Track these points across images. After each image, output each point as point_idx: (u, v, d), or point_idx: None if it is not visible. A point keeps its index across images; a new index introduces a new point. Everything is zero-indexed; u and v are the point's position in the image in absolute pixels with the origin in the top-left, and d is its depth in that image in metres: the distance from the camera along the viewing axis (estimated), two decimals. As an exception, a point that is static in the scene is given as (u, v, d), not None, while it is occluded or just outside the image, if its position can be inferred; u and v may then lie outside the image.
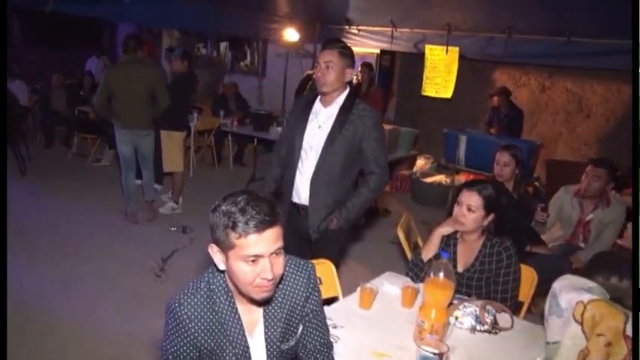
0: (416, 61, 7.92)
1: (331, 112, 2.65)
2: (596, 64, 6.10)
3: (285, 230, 2.87)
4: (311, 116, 2.71)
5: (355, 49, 7.56)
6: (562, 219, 4.01)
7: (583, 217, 3.88)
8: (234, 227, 1.42)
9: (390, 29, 7.22)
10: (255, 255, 1.41)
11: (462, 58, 6.87)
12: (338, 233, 2.78)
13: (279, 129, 6.45)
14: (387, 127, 5.61)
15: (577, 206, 3.89)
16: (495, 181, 3.68)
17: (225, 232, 1.44)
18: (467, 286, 2.48)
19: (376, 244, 5.27)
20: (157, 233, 4.97)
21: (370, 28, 7.49)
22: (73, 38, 11.11)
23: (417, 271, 2.53)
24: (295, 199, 2.78)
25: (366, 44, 7.67)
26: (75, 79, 8.87)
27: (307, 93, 6.73)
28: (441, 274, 1.94)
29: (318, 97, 2.72)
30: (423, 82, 7.12)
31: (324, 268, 2.54)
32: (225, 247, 1.47)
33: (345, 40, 7.73)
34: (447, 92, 7.05)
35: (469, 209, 2.43)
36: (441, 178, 6.84)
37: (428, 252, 2.52)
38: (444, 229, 2.52)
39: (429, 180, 6.83)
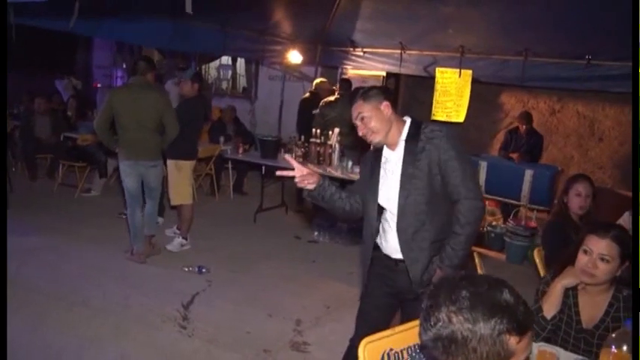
0: (421, 84, 7.70)
1: (400, 152, 2.31)
2: (618, 87, 5.93)
3: (375, 287, 2.51)
4: (382, 167, 2.38)
5: (360, 72, 7.43)
6: None
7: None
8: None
9: (398, 51, 6.99)
10: None
11: (475, 81, 6.65)
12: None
13: (287, 156, 6.03)
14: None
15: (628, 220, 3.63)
16: (566, 215, 3.35)
17: None
18: (597, 346, 2.11)
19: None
20: (169, 275, 4.46)
21: (377, 50, 7.22)
22: (45, 61, 10.46)
23: (538, 329, 2.15)
24: (388, 251, 2.41)
25: (371, 67, 7.42)
26: (57, 103, 8.26)
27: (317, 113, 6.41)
28: (625, 347, 1.56)
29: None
30: (433, 107, 6.88)
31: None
32: None
33: (348, 62, 7.48)
34: (459, 116, 6.81)
35: (602, 259, 2.06)
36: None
37: (550, 308, 2.14)
38: (567, 281, 2.14)
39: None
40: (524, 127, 6.56)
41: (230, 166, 7.28)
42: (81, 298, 3.87)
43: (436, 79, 6.84)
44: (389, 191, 2.33)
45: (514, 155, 6.43)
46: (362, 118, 2.25)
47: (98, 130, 4.47)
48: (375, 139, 2.27)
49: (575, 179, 3.39)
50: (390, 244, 2.37)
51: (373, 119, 2.24)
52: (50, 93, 8.66)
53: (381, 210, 2.39)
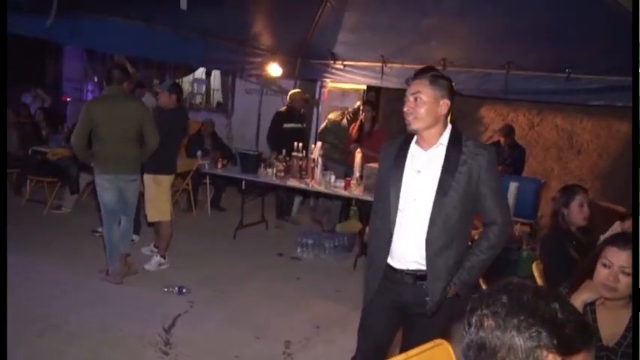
0: (401, 98, 7.61)
1: (433, 156, 2.16)
2: (597, 100, 5.98)
3: (376, 299, 2.35)
4: (407, 161, 2.21)
5: (339, 85, 7.33)
6: None
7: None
8: None
9: (379, 64, 6.90)
10: None
11: (456, 94, 6.59)
12: (449, 303, 2.23)
13: (269, 171, 5.88)
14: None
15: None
16: (565, 228, 3.27)
17: None
18: (622, 365, 1.99)
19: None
20: (148, 296, 4.21)
21: (358, 63, 7.14)
22: (13, 72, 10.05)
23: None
24: (394, 262, 2.23)
25: (351, 80, 7.32)
26: (24, 116, 7.92)
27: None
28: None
29: (414, 139, 2.22)
30: (415, 120, 6.79)
31: (444, 353, 1.97)
32: None
33: (328, 75, 7.38)
34: (442, 130, 6.74)
35: (623, 272, 1.96)
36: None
37: None
38: (587, 296, 2.03)
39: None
40: (506, 140, 6.54)
41: (208, 181, 7.05)
42: (53, 323, 3.59)
43: (418, 93, 6.78)
44: (412, 189, 2.17)
45: (500, 168, 6.39)
46: (416, 98, 2.11)
47: (76, 146, 4.20)
48: (413, 125, 2.13)
49: (574, 191, 3.31)
50: (401, 252, 2.21)
51: (426, 106, 2.10)
52: (17, 105, 8.32)
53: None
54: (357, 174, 5.56)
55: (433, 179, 2.13)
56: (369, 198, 5.17)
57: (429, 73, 2.14)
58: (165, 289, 4.30)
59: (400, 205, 2.18)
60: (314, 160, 5.69)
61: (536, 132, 7.38)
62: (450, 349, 1.99)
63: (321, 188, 5.49)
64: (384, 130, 6.26)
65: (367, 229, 2.56)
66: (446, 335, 2.39)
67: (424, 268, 2.17)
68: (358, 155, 5.64)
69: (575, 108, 6.89)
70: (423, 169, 2.16)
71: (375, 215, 2.35)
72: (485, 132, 7.73)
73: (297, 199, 7.23)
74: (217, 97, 11.80)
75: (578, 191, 3.32)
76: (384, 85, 7.08)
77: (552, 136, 7.27)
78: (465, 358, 1.08)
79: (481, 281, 2.97)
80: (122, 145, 4.21)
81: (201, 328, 3.71)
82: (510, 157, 6.45)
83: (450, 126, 2.19)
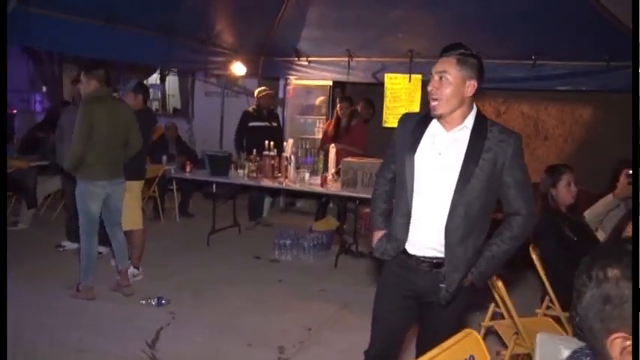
0: (366, 93, 7.57)
1: (457, 138, 2.04)
2: (563, 85, 6.08)
3: (389, 289, 2.23)
4: (426, 139, 2.07)
5: (304, 82, 7.20)
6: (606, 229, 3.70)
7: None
8: None
9: (345, 59, 6.80)
10: None
11: (425, 85, 6.58)
12: (464, 292, 2.12)
13: (240, 172, 5.68)
14: (374, 161, 5.07)
15: (624, 209, 3.60)
16: (555, 208, 3.25)
17: None
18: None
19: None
20: (125, 310, 3.94)
21: (323, 59, 7.02)
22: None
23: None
24: (409, 248, 2.10)
25: (317, 76, 7.20)
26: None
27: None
28: None
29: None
30: (384, 113, 6.73)
31: (474, 342, 1.87)
32: None
33: (293, 72, 7.23)
34: (411, 122, 6.70)
35: None
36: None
37: None
38: None
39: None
40: None
41: (174, 187, 6.78)
42: (26, 347, 3.29)
43: (385, 86, 6.73)
44: (432, 172, 2.04)
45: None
46: (441, 78, 1.99)
47: (78, 154, 3.84)
48: (437, 109, 2.00)
49: (561, 171, 3.30)
50: (417, 238, 2.09)
51: (452, 87, 1.98)
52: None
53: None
54: (332, 170, 5.44)
55: (455, 163, 2.00)
56: (347, 193, 5.08)
57: (457, 50, 2.01)
58: (143, 302, 4.05)
59: (417, 188, 2.05)
60: (287, 157, 5.53)
61: (503, 120, 7.44)
62: (479, 338, 1.90)
63: (296, 186, 5.34)
64: (363, 125, 6.16)
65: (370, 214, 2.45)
66: (462, 325, 2.29)
67: (441, 255, 2.05)
68: (332, 150, 5.52)
69: (539, 95, 7.00)
70: (444, 152, 2.03)
71: (382, 184, 2.29)
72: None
73: (268, 200, 7.06)
74: (174, 102, 11.47)
75: (565, 171, 3.31)
76: (350, 80, 6.98)
77: (519, 123, 7.35)
78: (580, 321, 0.99)
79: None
80: (114, 149, 4.00)
81: (187, 340, 3.49)
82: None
83: (475, 108, 2.07)
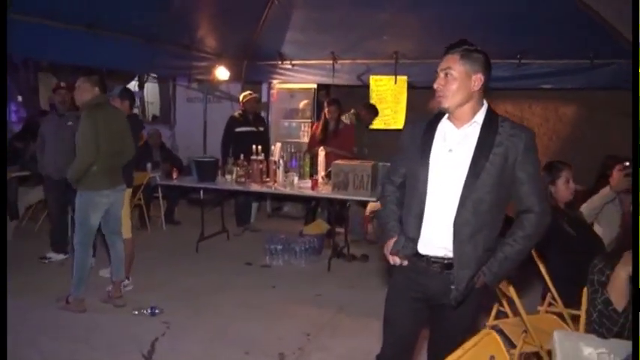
0: (351, 95, 7.56)
1: (467, 134, 2.01)
2: (548, 84, 6.15)
3: (400, 291, 2.17)
4: (437, 138, 2.04)
5: (288, 86, 7.15)
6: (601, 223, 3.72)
7: (627, 210, 3.62)
8: None
9: (329, 62, 6.79)
10: None
11: (410, 87, 6.61)
12: (476, 294, 2.08)
13: (228, 177, 5.59)
14: (365, 163, 5.05)
15: (618, 204, 3.63)
16: (554, 206, 3.25)
17: None
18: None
19: (376, 293, 4.54)
20: (118, 322, 3.82)
21: (307, 62, 6.99)
22: None
23: (609, 325, 1.93)
24: (423, 249, 2.06)
25: (301, 79, 7.17)
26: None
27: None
28: None
29: (446, 116, 2.07)
30: (370, 115, 6.72)
31: (493, 342, 1.83)
32: None
33: (276, 76, 7.19)
34: (397, 123, 6.73)
35: None
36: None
37: (620, 300, 1.94)
38: (631, 268, 1.95)
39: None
40: None
41: (160, 194, 6.66)
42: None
43: (371, 88, 6.72)
44: (442, 169, 2.01)
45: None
46: (446, 74, 1.97)
47: (86, 164, 3.73)
48: (444, 102, 1.98)
49: (559, 168, 3.30)
50: (427, 237, 2.04)
51: (457, 82, 1.95)
52: None
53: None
54: (322, 172, 5.39)
55: (465, 159, 1.97)
56: (338, 196, 5.04)
57: (460, 47, 1.99)
58: (136, 312, 3.94)
59: (430, 187, 2.02)
60: (275, 162, 5.46)
61: (487, 120, 7.51)
62: (498, 338, 1.87)
63: (287, 190, 5.28)
64: (351, 127, 6.12)
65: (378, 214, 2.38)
66: (474, 326, 2.26)
67: (452, 255, 2.02)
68: (322, 153, 5.47)
69: (523, 94, 7.07)
70: (455, 148, 2.00)
71: (391, 189, 2.23)
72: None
73: (254, 206, 6.98)
74: (153, 109, 11.31)
75: (563, 168, 3.31)
76: (335, 82, 6.96)
77: (503, 122, 7.42)
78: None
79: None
80: (116, 156, 3.93)
81: (184, 350, 3.40)
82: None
83: (485, 105, 2.04)
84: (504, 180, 1.96)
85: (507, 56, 5.99)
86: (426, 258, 2.06)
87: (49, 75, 10.97)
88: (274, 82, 7.51)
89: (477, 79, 1.97)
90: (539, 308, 3.21)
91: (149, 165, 6.37)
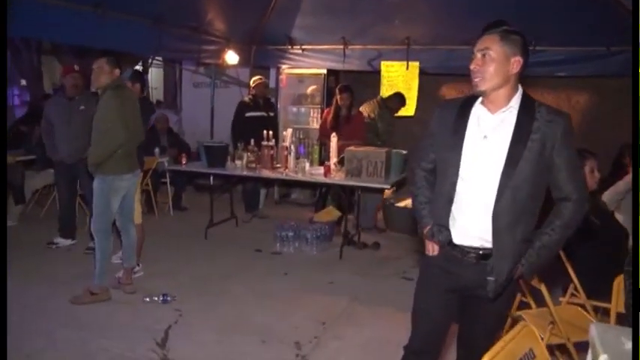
0: (359, 81, 7.45)
1: (503, 120, 1.92)
2: (563, 71, 6.04)
3: (431, 281, 2.07)
4: (471, 123, 1.96)
5: (298, 71, 7.03)
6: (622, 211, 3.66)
7: None
8: None
9: (340, 47, 6.68)
10: None
11: (421, 73, 6.50)
12: (512, 285, 2.01)
13: (238, 163, 5.51)
14: (379, 150, 4.96)
15: None
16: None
17: None
18: None
19: (389, 281, 4.52)
20: (129, 309, 3.76)
21: (317, 47, 6.87)
22: None
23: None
24: (457, 238, 1.99)
25: (311, 64, 7.06)
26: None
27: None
28: None
29: (479, 100, 1.97)
30: (380, 102, 6.62)
31: (530, 335, 1.77)
32: None
33: (285, 61, 7.07)
34: (409, 110, 6.64)
35: None
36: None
37: None
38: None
39: (402, 204, 6.22)
40: None
41: (168, 180, 6.58)
42: (25, 353, 3.10)
43: (382, 74, 6.61)
44: (477, 155, 1.92)
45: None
46: (484, 55, 1.87)
47: (116, 148, 3.65)
48: (480, 85, 1.88)
49: (584, 156, 3.20)
50: (462, 226, 1.97)
51: (495, 64, 1.85)
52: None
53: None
54: (334, 159, 5.30)
55: (501, 146, 1.89)
56: (351, 183, 4.96)
57: (499, 27, 1.89)
58: (147, 299, 3.87)
59: (462, 173, 1.93)
60: (287, 147, 5.37)
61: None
62: (535, 331, 1.81)
63: (298, 176, 5.20)
64: (362, 115, 6.01)
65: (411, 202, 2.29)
66: (505, 320, 2.19)
67: (488, 245, 1.94)
68: (334, 139, 5.38)
69: (535, 82, 6.93)
70: (490, 135, 1.92)
71: (421, 174, 2.15)
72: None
73: (263, 192, 6.91)
74: (156, 95, 11.22)
75: (588, 157, 3.22)
76: (346, 68, 6.85)
77: (514, 111, 7.32)
78: None
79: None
80: (134, 140, 3.83)
81: (198, 339, 3.34)
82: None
83: (520, 89, 1.95)
84: (542, 167, 1.88)
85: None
86: (461, 248, 1.98)
87: (52, 59, 10.86)
88: (283, 67, 7.40)
89: (516, 62, 1.88)
90: (561, 299, 3.14)
91: (157, 150, 6.29)
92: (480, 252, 1.96)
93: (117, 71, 3.72)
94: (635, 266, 1.57)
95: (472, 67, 1.91)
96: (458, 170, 1.94)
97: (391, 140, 6.11)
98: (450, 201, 1.96)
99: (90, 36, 4.72)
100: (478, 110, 1.96)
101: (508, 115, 1.90)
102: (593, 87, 6.79)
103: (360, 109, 6.02)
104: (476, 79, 1.89)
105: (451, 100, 2.11)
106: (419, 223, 2.12)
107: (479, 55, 1.89)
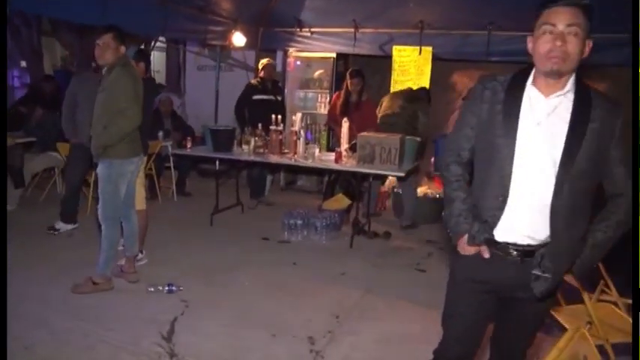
0: (369, 65, 7.23)
1: (557, 105, 1.71)
2: (588, 61, 5.80)
3: (465, 281, 1.81)
4: (523, 106, 1.74)
5: (307, 54, 6.81)
6: None
7: None
8: None
9: (351, 30, 6.47)
10: None
11: (435, 59, 6.28)
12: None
13: (245, 148, 5.32)
14: (392, 136, 4.77)
15: None
16: None
17: None
18: None
19: (403, 272, 4.35)
20: (132, 299, 3.59)
21: (327, 30, 6.65)
22: None
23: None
24: (501, 235, 1.79)
25: (320, 48, 6.84)
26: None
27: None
28: None
29: (530, 80, 1.75)
30: (392, 87, 6.43)
31: (584, 341, 1.60)
32: None
33: (294, 44, 6.87)
34: (421, 96, 6.39)
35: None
36: (424, 189, 6.10)
37: None
38: None
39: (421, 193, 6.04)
40: None
41: (172, 165, 6.39)
42: (24, 344, 2.93)
43: (393, 58, 6.40)
44: (534, 149, 1.70)
45: None
46: (576, 33, 1.61)
47: (133, 128, 3.47)
48: (561, 65, 1.63)
49: None
50: (509, 222, 1.76)
51: (580, 44, 1.63)
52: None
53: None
54: (345, 145, 5.11)
55: (557, 135, 1.68)
56: (364, 170, 4.78)
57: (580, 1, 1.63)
58: (151, 289, 3.70)
59: (516, 164, 1.72)
60: (296, 132, 5.18)
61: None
62: (587, 335, 1.63)
63: (308, 162, 5.01)
64: (372, 102, 5.80)
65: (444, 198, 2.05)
66: (544, 321, 2.02)
67: (534, 242, 1.75)
68: (345, 125, 5.19)
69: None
70: (543, 121, 1.70)
71: (457, 168, 1.90)
72: (458, 99, 7.46)
73: (269, 178, 6.73)
74: (159, 78, 10.97)
75: None
76: (356, 52, 6.63)
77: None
78: None
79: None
80: (145, 121, 3.67)
81: (206, 332, 3.17)
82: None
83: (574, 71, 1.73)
84: (597, 160, 1.69)
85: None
86: (503, 245, 1.78)
87: (53, 40, 10.62)
88: (291, 50, 7.17)
89: (589, 46, 1.68)
90: (590, 296, 2.97)
91: (161, 133, 6.09)
92: (526, 250, 1.77)
93: (122, 48, 3.49)
94: (636, 266, 1.52)
95: (559, 43, 1.62)
96: (512, 160, 1.72)
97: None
98: (503, 196, 1.74)
99: (93, 15, 4.49)
100: (530, 92, 1.74)
101: (562, 101, 1.70)
102: (613, 76, 6.56)
103: (385, 102, 5.56)
104: (555, 59, 1.63)
105: (492, 76, 1.83)
106: (454, 229, 1.88)
107: (565, 30, 1.62)
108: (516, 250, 1.77)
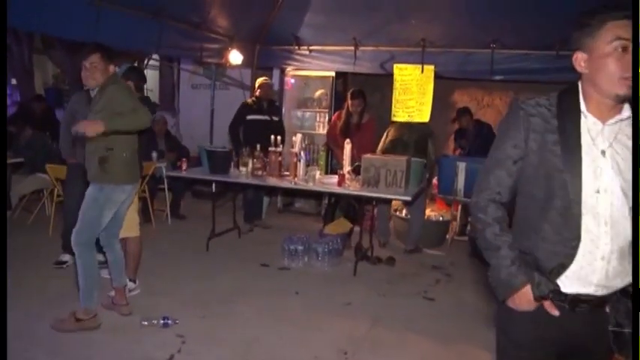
0: (369, 83, 7.11)
1: (616, 132, 1.51)
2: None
3: (522, 345, 1.53)
4: (584, 136, 1.51)
5: (304, 73, 6.66)
6: None
7: None
8: None
9: (350, 48, 6.32)
10: None
11: (437, 77, 6.14)
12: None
13: (243, 170, 5.11)
14: (398, 158, 4.58)
15: None
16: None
17: None
18: None
19: (411, 301, 4.13)
20: (124, 334, 3.33)
21: (325, 48, 6.51)
22: None
23: None
24: (568, 286, 1.54)
25: (318, 66, 6.69)
26: None
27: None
28: None
29: (582, 106, 1.53)
30: (393, 106, 6.25)
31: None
32: None
33: (291, 62, 6.73)
34: (423, 116, 6.23)
35: None
36: (427, 212, 5.90)
37: None
38: None
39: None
40: (467, 121, 6.51)
41: (166, 186, 6.16)
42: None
43: (394, 77, 6.25)
44: (600, 181, 1.48)
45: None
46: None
47: (145, 124, 3.19)
48: (627, 88, 1.43)
49: None
50: (579, 270, 1.51)
51: None
52: None
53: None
54: (347, 167, 4.92)
55: (623, 166, 1.48)
56: (368, 194, 4.58)
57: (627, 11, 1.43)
58: (145, 323, 3.44)
59: (585, 202, 1.49)
60: (296, 154, 4.98)
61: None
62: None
63: (309, 185, 4.81)
64: (373, 121, 5.63)
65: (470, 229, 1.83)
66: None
67: (605, 291, 1.52)
68: (347, 146, 5.00)
69: (554, 87, 6.61)
70: (607, 150, 1.50)
71: (496, 209, 1.62)
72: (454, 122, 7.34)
73: (266, 200, 6.52)
74: (152, 97, 10.78)
75: None
76: (356, 71, 6.49)
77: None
78: None
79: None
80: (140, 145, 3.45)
81: (205, 370, 2.93)
82: (479, 135, 6.25)
83: None
84: None
85: (545, 47, 5.59)
86: (571, 297, 1.54)
87: (45, 59, 10.43)
88: (288, 68, 7.02)
89: None
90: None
91: (154, 154, 5.88)
92: (596, 299, 1.53)
93: (112, 67, 3.28)
94: (636, 266, 1.40)
95: (613, 66, 1.44)
96: (580, 197, 1.48)
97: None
98: (570, 239, 1.50)
99: (86, 30, 4.32)
100: (588, 119, 1.53)
101: (621, 127, 1.51)
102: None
103: (392, 130, 5.46)
104: (629, 81, 1.42)
105: (534, 100, 1.58)
106: (507, 282, 1.59)
107: (620, 44, 1.42)
108: (586, 301, 1.54)
